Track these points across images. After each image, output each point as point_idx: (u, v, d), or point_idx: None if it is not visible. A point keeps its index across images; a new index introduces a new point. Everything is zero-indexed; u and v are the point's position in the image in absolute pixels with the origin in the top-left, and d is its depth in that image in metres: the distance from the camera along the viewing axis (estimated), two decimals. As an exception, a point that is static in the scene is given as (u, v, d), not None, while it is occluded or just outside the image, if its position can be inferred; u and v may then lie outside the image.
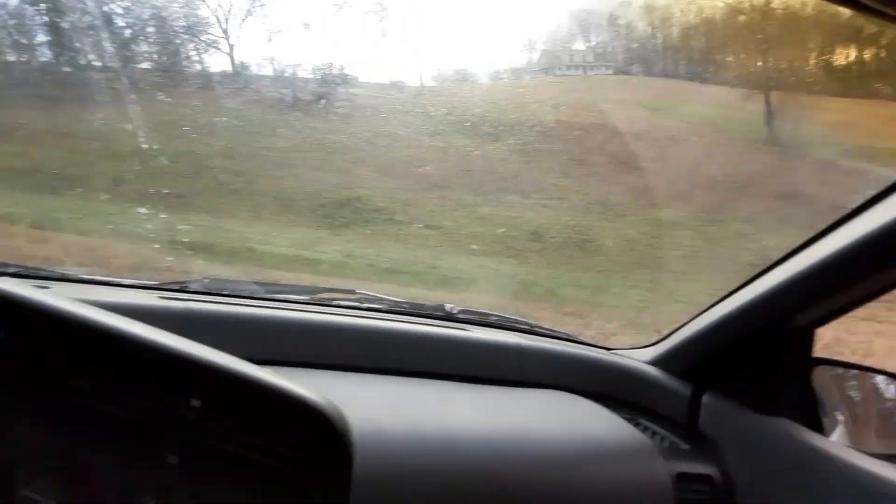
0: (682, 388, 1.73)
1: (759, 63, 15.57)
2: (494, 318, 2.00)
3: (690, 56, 17.45)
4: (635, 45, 17.88)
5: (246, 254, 7.38)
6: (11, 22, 12.45)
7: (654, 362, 1.85)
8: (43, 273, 1.70)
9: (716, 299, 1.61)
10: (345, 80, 14.48)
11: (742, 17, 15.53)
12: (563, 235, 9.50)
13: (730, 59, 17.00)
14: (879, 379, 1.84)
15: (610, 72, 17.27)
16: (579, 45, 18.32)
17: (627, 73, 17.48)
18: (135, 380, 0.86)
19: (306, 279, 6.94)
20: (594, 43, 18.78)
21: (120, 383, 0.86)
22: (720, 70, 16.87)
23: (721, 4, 16.08)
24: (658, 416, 1.74)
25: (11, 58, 12.44)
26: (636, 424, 1.63)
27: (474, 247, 9.02)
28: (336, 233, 9.05)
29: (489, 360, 1.74)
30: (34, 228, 6.74)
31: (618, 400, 1.75)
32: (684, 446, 1.63)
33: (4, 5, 12.68)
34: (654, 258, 8.44)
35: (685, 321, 1.76)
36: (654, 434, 1.66)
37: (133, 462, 0.87)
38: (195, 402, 0.86)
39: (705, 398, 1.66)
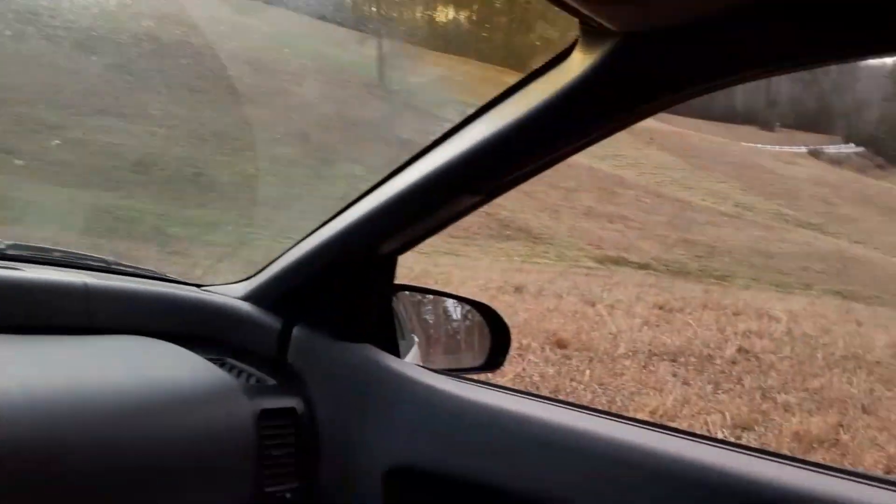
0: (273, 323, 1.62)
1: (374, 8, 16.40)
2: (59, 254, 1.63)
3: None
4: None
5: None
6: None
7: (246, 297, 1.69)
8: None
9: (305, 233, 1.57)
10: None
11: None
12: (174, 168, 8.74)
13: (380, 10, 17.44)
14: (450, 302, 2.01)
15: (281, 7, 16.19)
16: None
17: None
18: None
19: None
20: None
21: None
22: (340, 10, 17.23)
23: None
24: (247, 353, 1.63)
25: None
26: (222, 364, 1.51)
27: (63, 177, 7.66)
28: None
29: (48, 304, 1.42)
30: None
31: (206, 340, 1.57)
32: (271, 382, 1.56)
33: None
34: (270, 197, 8.34)
35: (278, 255, 1.68)
36: (240, 372, 1.56)
37: None
38: None
39: (295, 331, 1.61)
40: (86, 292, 1.43)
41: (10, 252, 1.48)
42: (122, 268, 1.66)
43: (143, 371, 1.29)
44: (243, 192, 8.73)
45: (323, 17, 16.56)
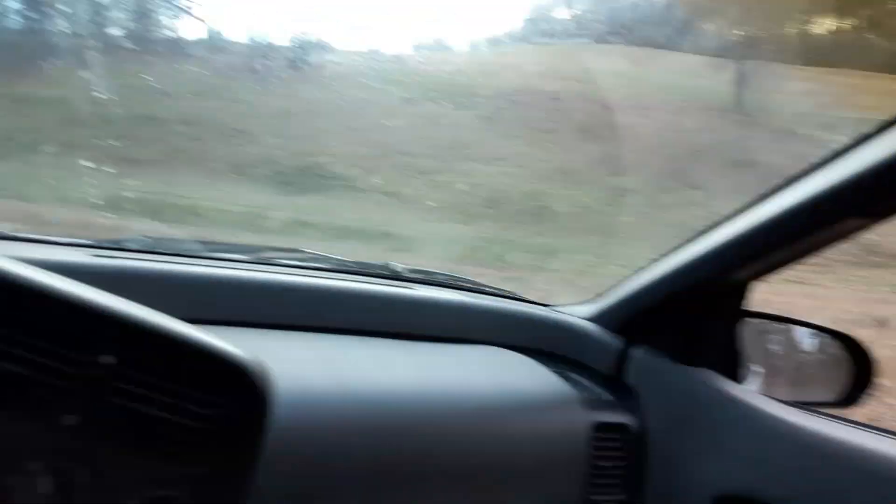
0: (614, 343, 1.69)
1: (736, 31, 15.42)
2: (440, 276, 1.94)
3: (671, 26, 17.22)
4: (616, 14, 17.70)
5: (196, 218, 7.43)
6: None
7: (592, 318, 1.79)
8: None
9: (652, 260, 1.66)
10: (317, 46, 14.40)
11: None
12: (520, 202, 9.57)
13: (710, 27, 16.79)
14: (802, 331, 1.88)
15: (588, 40, 17.13)
16: (561, 14, 18.19)
17: (606, 41, 17.34)
18: (38, 333, 0.81)
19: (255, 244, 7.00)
20: (576, 12, 18.65)
21: (21, 336, 0.81)
22: (699, 40, 16.69)
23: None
24: (588, 369, 1.71)
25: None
26: (565, 378, 1.63)
27: (429, 213, 9.07)
28: (292, 200, 9.09)
29: (431, 317, 1.72)
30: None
31: (552, 354, 1.74)
32: (607, 397, 1.61)
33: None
34: (605, 225, 8.51)
35: (622, 280, 1.80)
36: (580, 386, 1.64)
37: (20, 423, 0.81)
38: (106, 359, 0.81)
39: (635, 352, 1.66)
40: (461, 308, 1.75)
41: (407, 275, 1.87)
42: (487, 288, 1.97)
43: (499, 378, 1.51)
44: (580, 222, 9.08)
45: (674, 48, 16.24)
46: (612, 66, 14.68)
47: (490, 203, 9.50)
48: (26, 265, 0.85)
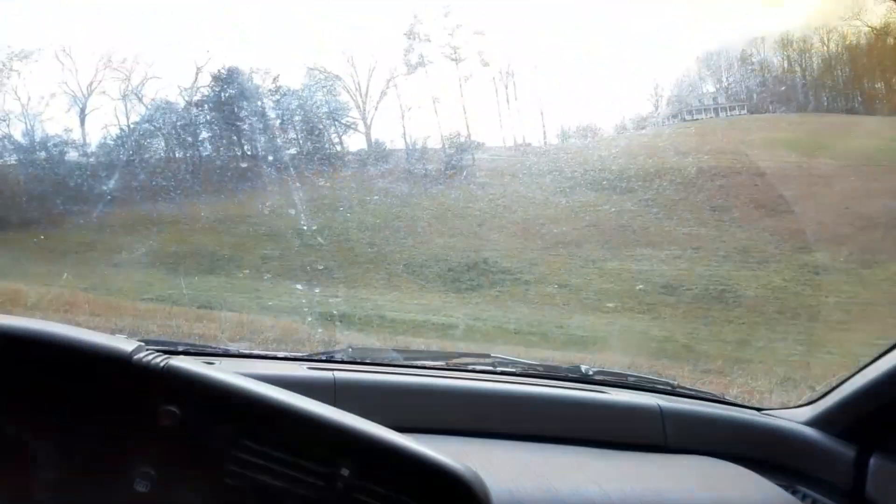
0: (845, 451, 1.54)
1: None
2: (632, 378, 1.89)
3: (835, 87, 16.30)
4: (771, 82, 17.02)
5: (379, 321, 7.73)
6: (169, 121, 14.33)
7: (812, 423, 1.65)
8: (209, 350, 1.83)
9: (880, 350, 1.49)
10: (471, 146, 15.04)
11: (891, 40, 14.36)
12: (699, 287, 9.04)
13: (879, 85, 15.68)
14: None
15: (745, 112, 16.53)
16: (709, 87, 17.77)
17: (763, 111, 16.63)
18: (290, 449, 0.90)
19: (436, 343, 7.12)
20: (725, 83, 18.15)
21: (276, 453, 0.90)
22: (869, 100, 15.58)
23: (866, 29, 14.98)
24: (819, 481, 1.55)
25: (167, 153, 14.25)
26: (794, 492, 1.49)
27: (603, 304, 8.81)
28: (463, 296, 9.24)
29: (629, 423, 1.67)
30: (195, 308, 7.50)
31: (772, 465, 1.60)
32: None
33: (170, 108, 14.60)
34: (802, 307, 7.77)
35: (845, 376, 1.62)
36: (814, 502, 1.52)
37: None
38: (344, 471, 0.89)
39: (873, 461, 1.49)
40: (660, 414, 1.65)
41: (596, 377, 1.83)
42: (685, 390, 1.86)
43: (719, 491, 1.39)
44: (771, 305, 8.37)
45: (851, 111, 15.25)
46: (775, 136, 13.98)
47: (668, 289, 9.08)
48: (265, 384, 0.94)
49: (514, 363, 1.88)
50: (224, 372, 0.96)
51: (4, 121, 13.31)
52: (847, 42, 16.06)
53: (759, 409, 1.79)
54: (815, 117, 15.61)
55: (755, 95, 17.13)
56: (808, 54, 16.61)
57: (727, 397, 1.92)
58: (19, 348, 0.89)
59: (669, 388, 1.85)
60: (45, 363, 0.89)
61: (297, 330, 6.66)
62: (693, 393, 1.88)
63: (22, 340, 0.91)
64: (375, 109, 15.30)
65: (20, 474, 0.88)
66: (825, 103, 16.55)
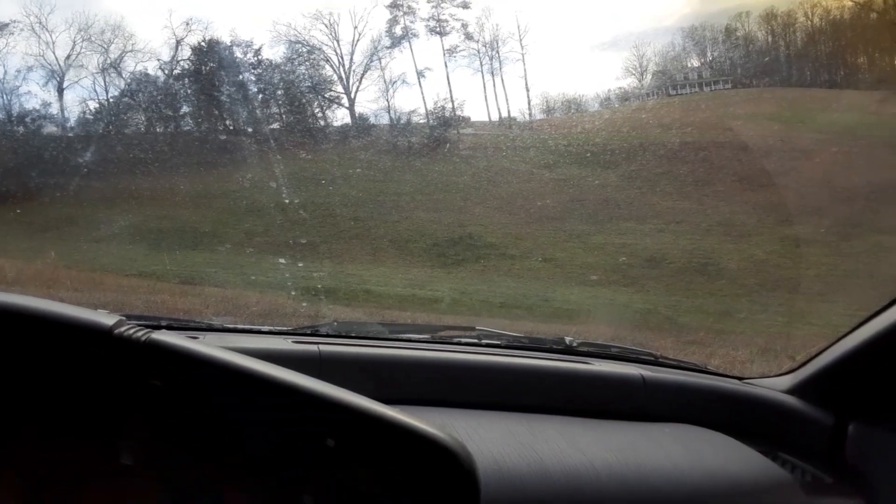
0: (824, 418, 1.57)
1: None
2: (616, 349, 1.92)
3: (818, 61, 16.35)
4: (755, 56, 17.02)
5: (365, 296, 7.74)
6: (150, 95, 14.11)
7: (792, 391, 1.67)
8: (192, 324, 1.82)
9: (859, 320, 1.51)
10: (456, 120, 14.96)
11: (874, 15, 14.39)
12: (682, 260, 9.13)
13: (861, 59, 15.76)
14: None
15: (729, 86, 16.54)
16: (693, 62, 17.74)
17: (747, 85, 16.65)
18: (276, 421, 0.91)
19: (422, 318, 7.14)
20: (710, 57, 18.12)
21: (263, 425, 0.91)
22: (851, 73, 15.66)
23: (849, 4, 14.99)
24: (798, 447, 1.59)
25: (147, 127, 14.05)
26: (774, 458, 1.51)
27: (588, 277, 8.88)
28: (449, 271, 9.27)
29: (612, 393, 1.68)
30: (179, 283, 7.45)
31: (753, 432, 1.61)
32: (828, 480, 1.49)
33: (149, 82, 14.36)
34: (783, 279, 7.88)
35: (824, 346, 1.65)
36: (793, 468, 1.52)
37: (272, 502, 0.91)
38: (330, 442, 0.89)
39: (851, 427, 1.51)
40: (643, 383, 1.67)
41: (580, 349, 1.85)
42: (668, 360, 1.88)
43: (699, 459, 1.41)
44: (752, 277, 8.48)
45: (834, 85, 15.33)
46: (759, 110, 14.03)
47: (651, 263, 9.16)
48: (250, 358, 0.94)
49: (498, 336, 1.89)
50: (208, 345, 0.95)
51: (-21, 94, 13.04)
52: (831, 16, 16.10)
53: (740, 379, 1.83)
54: (798, 91, 15.68)
55: (739, 69, 17.16)
56: (792, 28, 16.65)
57: (709, 367, 1.95)
58: None
59: (652, 358, 1.87)
60: (24, 338, 0.88)
61: (282, 304, 6.64)
62: (675, 363, 1.90)
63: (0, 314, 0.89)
64: (359, 83, 15.17)
65: (2, 453, 0.89)
66: (808, 77, 16.62)
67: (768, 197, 10.15)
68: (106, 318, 0.90)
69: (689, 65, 17.56)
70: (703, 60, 17.58)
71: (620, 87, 17.99)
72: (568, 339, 1.88)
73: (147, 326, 0.92)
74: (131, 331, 0.89)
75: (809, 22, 16.34)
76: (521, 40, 15.97)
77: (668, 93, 16.87)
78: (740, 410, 1.69)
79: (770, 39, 17.14)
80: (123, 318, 0.92)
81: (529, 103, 17.27)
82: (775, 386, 1.72)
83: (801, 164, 10.99)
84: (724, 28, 17.20)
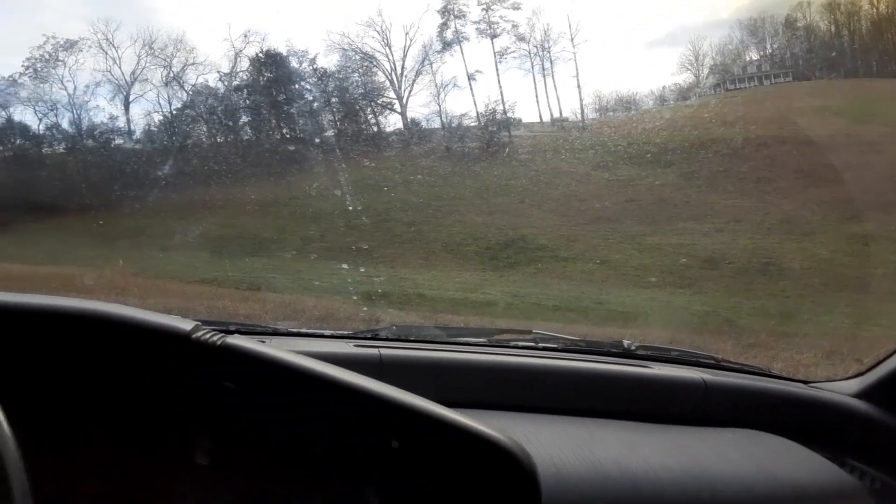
0: (894, 423, 1.55)
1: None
2: (675, 353, 1.88)
3: (885, 51, 15.61)
4: (818, 48, 16.38)
5: (418, 300, 7.81)
6: (211, 107, 14.58)
7: (860, 395, 1.63)
8: (259, 329, 1.86)
9: None
10: (509, 123, 14.93)
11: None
12: (742, 260, 8.88)
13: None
14: None
15: (790, 79, 15.97)
16: (753, 55, 17.19)
17: (810, 78, 16.04)
18: (342, 422, 0.94)
19: (475, 321, 7.16)
20: (770, 50, 17.51)
21: (329, 426, 0.94)
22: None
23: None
24: (867, 453, 1.55)
25: (209, 138, 14.50)
26: (842, 464, 1.47)
27: (644, 279, 8.73)
28: (501, 274, 9.26)
29: (673, 397, 1.65)
30: (241, 289, 7.68)
31: (819, 438, 1.57)
32: None
33: (214, 94, 14.86)
34: (850, 278, 7.56)
35: (893, 348, 1.61)
36: (862, 474, 1.49)
37: (340, 503, 0.93)
38: (395, 444, 0.92)
39: None
40: (704, 387, 1.66)
41: (639, 352, 1.84)
42: (729, 364, 1.85)
43: (764, 464, 1.38)
44: (817, 277, 8.18)
45: (888, 75, 14.63)
46: (824, 103, 13.51)
47: (710, 263, 8.94)
48: (316, 361, 0.97)
49: (555, 339, 1.88)
50: (277, 349, 1.00)
51: (53, 110, 13.76)
52: (899, 3, 15.37)
53: (805, 382, 1.78)
54: (864, 82, 15.04)
55: (801, 62, 16.54)
56: (856, 17, 15.96)
57: (772, 371, 1.90)
58: (84, 328, 0.94)
59: (713, 361, 1.84)
60: (109, 342, 0.94)
61: (340, 308, 6.77)
62: (738, 367, 1.86)
63: (86, 320, 0.94)
64: (411, 88, 15.32)
65: (86, 450, 0.94)
66: (874, 68, 15.90)
67: (834, 193, 9.76)
68: (183, 323, 0.96)
69: (749, 58, 17.06)
70: (762, 53, 17.05)
71: (676, 84, 17.62)
72: (626, 343, 1.87)
73: (219, 331, 0.99)
74: (207, 335, 0.95)
75: (875, 9, 15.65)
76: (572, 39, 15.84)
77: (727, 88, 16.41)
78: (806, 415, 1.65)
79: (833, 29, 16.48)
80: (199, 323, 0.98)
81: (581, 103, 17.09)
82: (842, 390, 1.67)
83: (868, 159, 10.53)
84: (784, 19, 16.65)
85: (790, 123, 12.29)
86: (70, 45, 13.91)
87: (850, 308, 7.05)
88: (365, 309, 6.75)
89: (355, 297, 7.12)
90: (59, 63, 13.77)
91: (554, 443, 1.32)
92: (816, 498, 1.33)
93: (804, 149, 11.43)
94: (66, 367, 0.94)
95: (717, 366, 1.83)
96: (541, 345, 1.84)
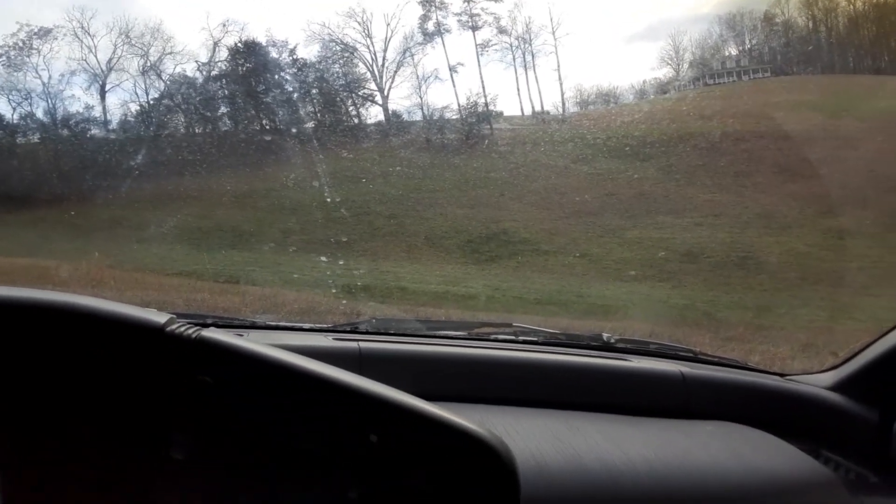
0: (869, 415, 1.55)
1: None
2: (654, 346, 1.89)
3: (861, 47, 15.85)
4: (796, 43, 16.57)
5: (400, 293, 7.79)
6: (189, 97, 14.39)
7: (835, 388, 1.64)
8: (237, 322, 1.83)
9: None
10: (490, 115, 14.90)
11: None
12: (721, 254, 8.97)
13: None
14: None
15: (769, 74, 16.13)
16: (732, 50, 17.34)
17: (788, 73, 16.22)
18: (320, 416, 0.93)
19: (457, 314, 7.17)
20: (749, 45, 17.68)
21: (308, 420, 0.93)
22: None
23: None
24: (842, 445, 1.55)
25: (187, 129, 14.32)
26: (817, 456, 1.48)
27: (624, 272, 8.79)
28: (483, 267, 9.27)
29: (651, 390, 1.65)
30: (220, 282, 7.61)
31: (795, 430, 1.57)
32: (873, 478, 1.46)
33: (192, 84, 14.65)
34: (826, 272, 7.68)
35: (869, 341, 1.62)
36: (837, 466, 1.50)
37: (319, 498, 0.93)
38: (373, 438, 0.91)
39: None
40: (683, 380, 1.66)
41: (618, 345, 1.84)
42: (707, 357, 1.86)
43: (741, 456, 1.37)
44: (793, 271, 8.29)
45: (879, 72, 14.86)
46: (801, 99, 13.67)
47: (689, 257, 9.03)
48: (294, 354, 0.96)
49: (535, 332, 1.87)
50: (254, 342, 0.98)
51: (27, 99, 13.49)
52: (874, 0, 15.59)
53: (781, 375, 1.79)
54: (840, 78, 15.25)
55: (779, 57, 16.72)
56: (833, 13, 16.17)
57: (749, 364, 1.92)
58: (54, 321, 0.92)
59: (692, 354, 1.85)
60: (79, 336, 0.92)
61: (320, 302, 6.73)
62: (715, 360, 1.87)
63: (57, 313, 0.92)
64: (392, 80, 15.23)
65: (58, 446, 0.92)
66: (851, 63, 16.13)
67: (810, 188, 9.90)
68: (157, 317, 0.94)
69: (728, 53, 17.23)
70: (741, 49, 17.23)
71: (656, 78, 17.75)
72: (605, 336, 1.87)
73: (195, 324, 0.97)
74: (182, 328, 0.93)
75: (851, 6, 15.86)
76: (553, 33, 15.88)
77: (706, 83, 16.55)
78: (782, 408, 1.66)
79: (811, 25, 16.69)
80: (174, 316, 0.96)
81: (563, 96, 17.18)
82: (818, 382, 1.69)
83: (844, 154, 10.68)
84: (762, 15, 16.83)
85: (768, 118, 12.43)
86: (45, 33, 13.65)
87: (825, 301, 7.17)
88: (345, 302, 6.73)
89: (334, 291, 7.09)
90: (34, 51, 13.50)
91: (533, 436, 1.31)
92: (792, 489, 1.34)
93: (781, 143, 11.57)
94: (35, 360, 0.92)
95: (695, 359, 1.83)
96: (521, 338, 1.83)
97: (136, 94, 14.33)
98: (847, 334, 6.08)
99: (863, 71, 15.59)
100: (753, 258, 8.76)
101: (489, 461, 0.93)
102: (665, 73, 17.61)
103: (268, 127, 13.94)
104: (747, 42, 17.38)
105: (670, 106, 14.27)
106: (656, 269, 8.91)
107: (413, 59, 15.47)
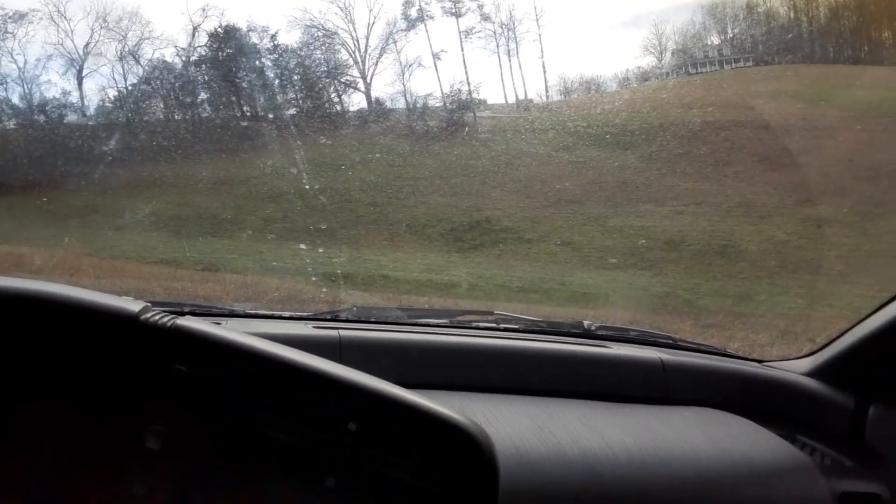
0: (845, 401, 1.56)
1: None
2: (634, 333, 1.90)
3: (841, 37, 15.99)
4: (777, 32, 16.68)
5: (382, 281, 7.79)
6: (168, 82, 14.20)
7: (812, 374, 1.66)
8: (215, 310, 1.82)
9: (881, 301, 1.50)
10: (473, 103, 14.86)
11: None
12: (702, 242, 9.06)
13: (886, 34, 15.41)
14: None
15: (750, 63, 16.24)
16: (714, 39, 17.42)
17: (769, 62, 16.33)
18: (298, 405, 0.92)
19: (439, 303, 7.17)
20: (731, 34, 17.76)
21: (285, 409, 0.92)
22: (876, 49, 15.31)
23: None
24: (818, 430, 1.57)
25: (166, 114, 14.14)
26: (793, 441, 1.50)
27: (606, 260, 8.85)
28: (466, 255, 9.28)
29: (631, 377, 1.66)
30: (199, 269, 7.54)
31: (772, 416, 1.60)
32: (848, 463, 1.47)
33: (171, 69, 14.44)
34: (804, 260, 7.78)
35: (845, 328, 1.62)
36: (813, 451, 1.51)
37: (296, 486, 0.93)
38: (352, 426, 0.91)
39: (872, 410, 1.50)
40: (662, 367, 1.67)
41: (599, 332, 1.84)
42: (687, 343, 1.87)
43: (718, 442, 1.39)
44: (773, 259, 8.40)
45: (858, 62, 15.01)
46: (781, 88, 13.79)
47: (670, 245, 9.10)
48: (272, 343, 0.96)
49: (517, 320, 1.89)
50: (231, 331, 0.97)
51: (2, 84, 13.22)
52: (855, -10, 15.73)
53: (759, 362, 1.81)
54: (821, 68, 15.38)
55: (761, 46, 16.82)
56: (814, 3, 16.26)
57: (728, 350, 1.94)
58: (26, 309, 0.90)
59: (671, 341, 1.86)
60: (52, 324, 0.90)
61: (301, 290, 6.70)
62: (694, 346, 1.89)
63: (29, 301, 0.90)
64: (375, 67, 15.11)
65: (32, 435, 0.91)
66: (831, 53, 16.27)
67: (790, 177, 10.01)
68: (132, 305, 0.92)
69: (710, 42, 17.28)
70: (723, 38, 17.29)
71: (639, 67, 17.77)
72: (586, 323, 1.88)
73: (171, 312, 0.95)
74: (157, 317, 0.91)
75: (832, -4, 15.99)
76: (537, 20, 15.79)
77: (689, 71, 16.60)
78: (759, 394, 1.68)
79: (792, 15, 16.78)
80: (149, 304, 0.94)
81: (546, 84, 17.13)
82: (795, 369, 1.71)
83: (823, 143, 10.81)
84: (745, 4, 16.89)
85: (749, 107, 12.52)
86: (19, 17, 13.34)
87: (803, 289, 7.26)
88: (328, 291, 6.69)
89: (314, 279, 7.05)
90: (8, 35, 13.21)
91: (513, 423, 1.32)
92: (769, 474, 1.36)
93: (762, 132, 11.67)
94: (7, 349, 0.90)
95: (674, 345, 1.85)
96: (502, 326, 1.84)
97: (114, 79, 14.09)
98: (824, 321, 6.17)
99: (843, 60, 15.73)
100: (734, 246, 8.85)
101: (468, 448, 0.93)
102: (648, 61, 17.63)
103: (248, 113, 13.79)
104: (729, 31, 17.45)
105: (651, 94, 14.32)
106: (638, 257, 8.97)
107: (396, 46, 15.33)
